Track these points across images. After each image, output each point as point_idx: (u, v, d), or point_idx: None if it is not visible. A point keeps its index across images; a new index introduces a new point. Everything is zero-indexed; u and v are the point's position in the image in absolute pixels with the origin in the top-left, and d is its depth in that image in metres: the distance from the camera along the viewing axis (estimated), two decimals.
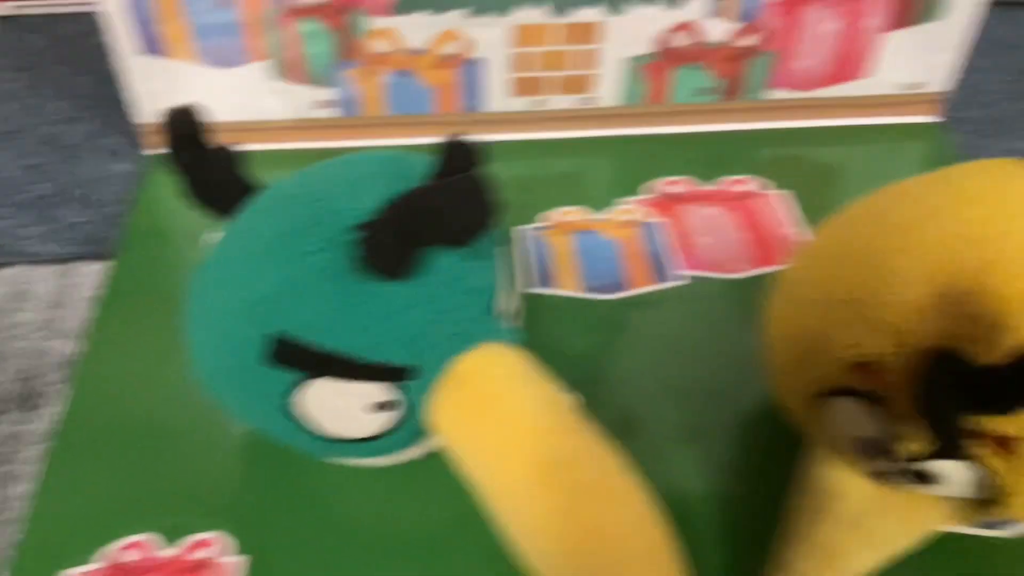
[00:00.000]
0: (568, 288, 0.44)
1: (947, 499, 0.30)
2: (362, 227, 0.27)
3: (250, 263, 0.29)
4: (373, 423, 0.30)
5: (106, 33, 0.46)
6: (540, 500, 0.27)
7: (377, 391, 0.29)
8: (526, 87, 0.50)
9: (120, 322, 0.42)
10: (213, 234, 0.32)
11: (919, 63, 0.51)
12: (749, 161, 0.51)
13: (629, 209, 0.48)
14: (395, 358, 0.28)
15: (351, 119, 0.51)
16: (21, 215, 0.49)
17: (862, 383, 0.29)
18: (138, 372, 0.40)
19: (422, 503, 0.34)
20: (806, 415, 0.32)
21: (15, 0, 0.62)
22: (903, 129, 0.54)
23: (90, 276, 0.45)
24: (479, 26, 0.47)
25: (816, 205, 0.48)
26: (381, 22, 0.47)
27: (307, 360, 0.28)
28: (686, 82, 0.51)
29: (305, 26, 0.47)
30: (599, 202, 0.48)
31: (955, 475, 0.28)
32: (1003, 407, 0.26)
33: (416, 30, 0.47)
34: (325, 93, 0.50)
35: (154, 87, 0.48)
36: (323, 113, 0.50)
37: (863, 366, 0.29)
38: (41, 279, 0.45)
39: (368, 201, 0.28)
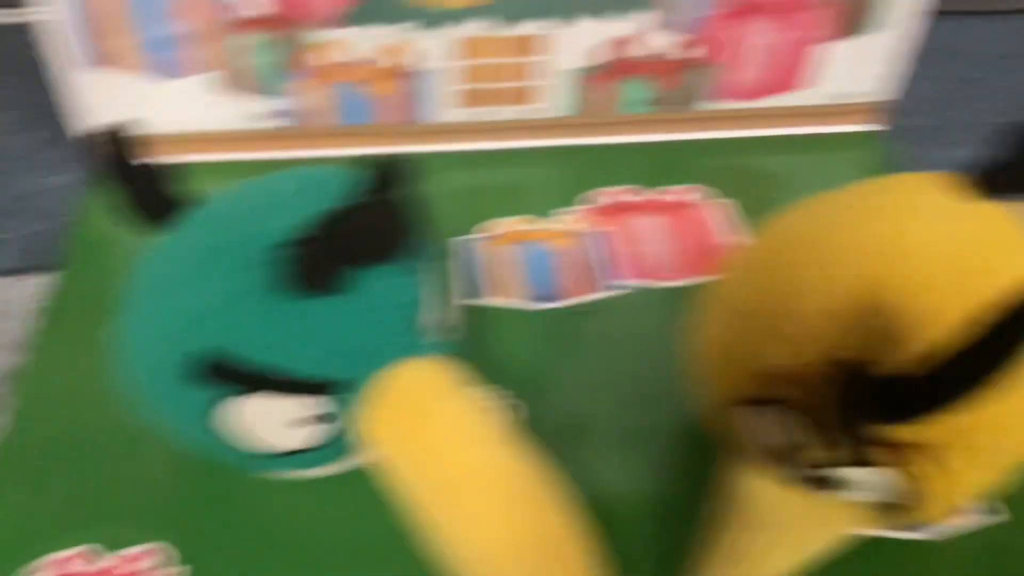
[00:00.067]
0: (509, 298, 0.44)
1: (858, 504, 0.31)
2: (290, 244, 0.27)
3: (179, 280, 0.30)
4: (303, 436, 0.30)
5: (49, 46, 0.47)
6: (462, 511, 0.28)
7: (307, 405, 0.30)
8: (472, 98, 0.51)
9: (64, 334, 0.42)
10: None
11: (860, 73, 0.52)
12: (692, 171, 0.52)
13: (572, 219, 0.49)
14: (324, 372, 0.29)
15: (298, 130, 0.51)
16: None
17: (773, 393, 0.30)
18: (83, 384, 0.40)
19: (362, 513, 0.35)
20: (722, 423, 0.33)
21: None
22: (845, 138, 0.55)
23: (34, 288, 0.45)
24: (426, 39, 0.48)
25: (758, 214, 0.48)
26: (328, 34, 0.47)
27: (237, 376, 0.29)
28: (630, 93, 0.52)
29: (252, 38, 0.47)
30: (543, 212, 0.49)
31: (863, 481, 0.29)
32: (904, 416, 0.27)
33: (363, 42, 0.48)
34: (272, 104, 0.50)
35: (99, 100, 0.49)
36: (270, 124, 0.51)
37: (774, 376, 0.29)
38: None
39: (296, 218, 0.28)
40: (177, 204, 0.32)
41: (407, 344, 0.30)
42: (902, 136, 0.55)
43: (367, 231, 0.27)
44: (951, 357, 0.25)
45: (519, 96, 0.51)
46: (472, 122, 0.52)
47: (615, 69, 0.50)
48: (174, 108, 0.49)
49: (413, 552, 0.31)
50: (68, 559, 0.34)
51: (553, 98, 0.51)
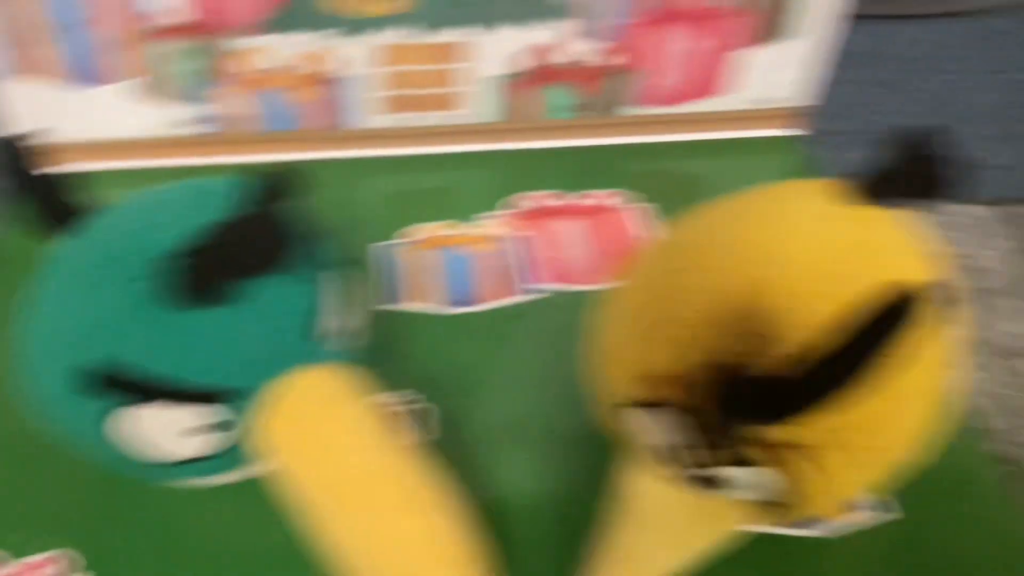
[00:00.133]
0: (426, 303, 0.45)
1: (744, 502, 0.31)
2: (177, 256, 0.28)
3: (72, 290, 0.30)
4: (199, 445, 0.31)
5: None
6: (352, 518, 0.29)
7: (201, 414, 0.30)
8: (395, 104, 0.51)
9: None
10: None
11: (778, 79, 0.53)
12: (615, 175, 0.53)
13: (494, 223, 0.49)
14: (216, 381, 0.29)
15: (222, 136, 0.51)
16: None
17: (659, 395, 0.30)
18: None
19: (263, 521, 0.35)
20: (616, 424, 0.33)
21: None
22: (766, 142, 0.56)
23: None
24: (347, 45, 0.48)
25: (678, 217, 0.49)
26: (248, 41, 0.48)
27: (130, 386, 0.29)
28: (553, 99, 0.52)
29: (172, 46, 0.47)
30: (466, 217, 0.50)
31: (746, 480, 0.30)
32: (775, 416, 0.27)
33: (284, 49, 0.48)
34: (194, 111, 0.50)
35: (21, 109, 0.49)
36: (193, 130, 0.51)
37: (659, 379, 0.30)
38: None
39: (187, 229, 0.29)
40: (79, 213, 0.32)
41: (302, 352, 0.31)
42: (823, 140, 0.56)
43: (252, 242, 0.27)
44: (816, 359, 0.26)
45: (443, 102, 0.52)
46: (397, 128, 0.52)
47: (537, 76, 0.51)
48: (96, 115, 0.49)
49: (312, 560, 0.32)
50: None
51: (477, 104, 0.52)
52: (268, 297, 0.30)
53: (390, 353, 0.43)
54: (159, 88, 0.49)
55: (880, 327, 0.25)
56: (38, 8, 0.45)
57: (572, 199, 0.51)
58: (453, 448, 0.39)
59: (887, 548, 0.36)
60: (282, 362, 0.30)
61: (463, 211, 0.50)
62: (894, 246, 0.31)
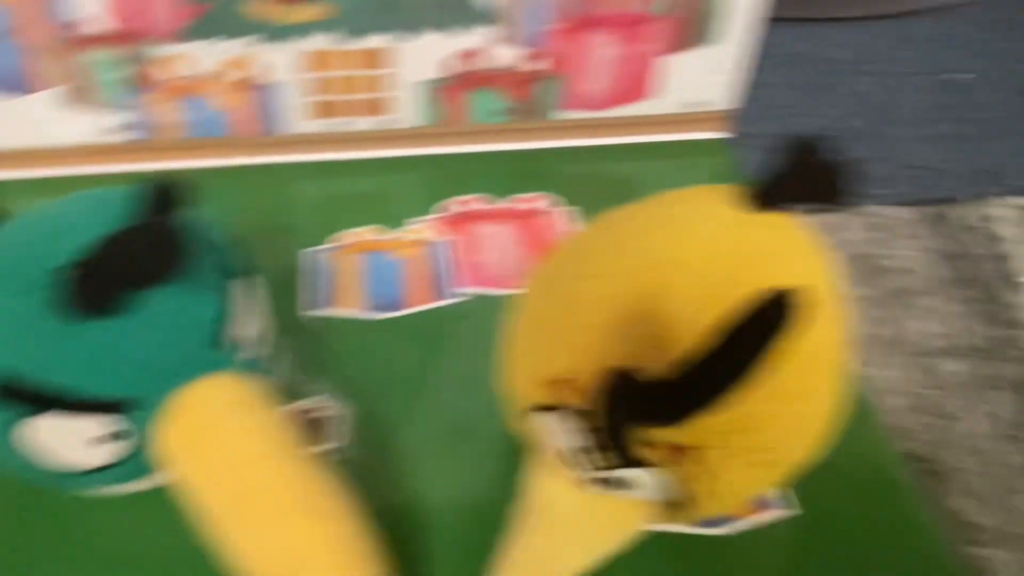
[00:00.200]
0: (354, 308, 0.45)
1: (643, 503, 0.32)
2: (68, 267, 0.28)
3: None
4: (100, 455, 0.31)
5: None
6: (249, 526, 0.29)
7: (101, 424, 0.30)
8: (323, 110, 0.52)
9: None
10: None
11: (703, 83, 0.54)
12: (545, 179, 0.53)
13: (421, 228, 0.50)
14: (113, 391, 0.30)
15: (149, 143, 0.51)
16: None
17: (560, 399, 0.31)
18: None
19: (171, 529, 0.35)
20: (522, 428, 0.34)
21: None
22: (693, 146, 0.57)
23: None
24: (271, 52, 0.49)
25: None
26: (170, 49, 0.48)
27: (29, 396, 0.29)
28: (481, 104, 0.53)
29: (96, 54, 0.47)
30: (394, 221, 0.50)
31: (643, 481, 0.31)
32: (669, 419, 0.28)
33: (206, 56, 0.48)
34: (120, 118, 0.50)
35: None
36: (120, 138, 0.51)
37: (558, 383, 0.31)
38: None
39: (81, 240, 0.29)
40: None
41: (204, 361, 0.31)
42: (750, 143, 0.57)
43: (143, 252, 0.27)
44: (693, 363, 0.26)
45: (371, 107, 0.52)
46: (326, 133, 0.52)
47: (465, 81, 0.51)
48: (22, 124, 0.49)
49: (217, 569, 0.32)
50: None
51: (406, 109, 0.52)
52: (166, 306, 0.30)
53: (314, 359, 0.43)
54: (85, 96, 0.49)
55: (755, 330, 0.26)
56: None
57: (501, 203, 0.51)
58: (376, 453, 0.39)
59: (791, 546, 0.37)
60: (183, 371, 0.31)
61: (393, 216, 0.50)
62: (789, 251, 0.31)
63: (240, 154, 0.53)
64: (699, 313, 0.29)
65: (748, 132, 0.57)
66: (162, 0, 0.46)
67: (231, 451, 0.30)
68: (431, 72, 0.51)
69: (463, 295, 0.46)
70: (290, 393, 0.40)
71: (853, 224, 0.55)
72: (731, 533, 0.37)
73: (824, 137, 0.30)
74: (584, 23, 0.50)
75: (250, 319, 0.35)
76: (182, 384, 0.30)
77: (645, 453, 0.29)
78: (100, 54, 0.47)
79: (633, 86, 0.54)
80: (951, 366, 0.48)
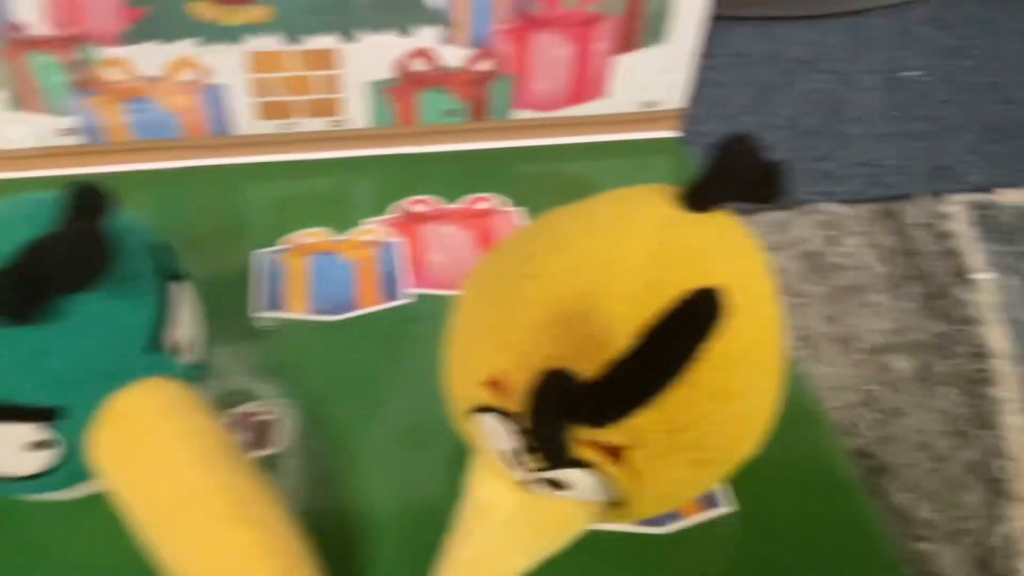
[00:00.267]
0: (297, 311, 0.45)
1: (581, 502, 0.32)
2: None
3: None
4: (32, 462, 0.30)
5: None
6: (180, 532, 0.29)
7: (29, 431, 0.30)
8: (272, 111, 0.51)
9: None
10: None
11: (653, 82, 0.54)
12: (497, 179, 0.53)
13: (371, 230, 0.49)
14: (43, 399, 0.29)
15: (97, 146, 0.51)
16: None
17: (498, 401, 0.31)
18: None
19: (108, 536, 0.35)
20: (464, 429, 0.34)
21: None
22: (646, 145, 0.57)
23: None
24: (214, 54, 0.48)
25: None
26: (113, 52, 0.47)
27: None
28: (432, 104, 0.53)
29: (37, 58, 0.47)
30: (346, 223, 0.50)
31: (583, 482, 0.31)
32: (598, 419, 0.28)
33: (149, 58, 0.48)
34: (65, 122, 0.50)
35: None
36: (66, 141, 0.50)
37: (496, 384, 0.30)
38: None
39: (12, 245, 0.28)
40: None
41: (135, 365, 0.31)
42: (704, 142, 0.57)
43: (64, 258, 0.27)
44: (619, 364, 0.26)
45: (321, 108, 0.52)
46: (278, 134, 0.52)
47: (415, 81, 0.51)
48: None
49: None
50: None
51: (356, 110, 0.52)
52: (97, 311, 0.30)
53: (264, 361, 0.42)
54: (29, 100, 0.48)
55: (680, 330, 0.25)
56: None
57: (454, 204, 0.51)
58: (326, 457, 0.39)
59: (735, 543, 0.37)
60: (116, 376, 0.30)
61: (345, 217, 0.50)
62: (724, 250, 0.31)
63: (192, 156, 0.52)
64: (634, 313, 0.28)
65: (701, 131, 0.57)
66: (102, 2, 0.45)
67: (163, 457, 0.29)
68: (380, 73, 0.51)
69: (414, 296, 0.46)
70: (236, 397, 0.40)
71: (804, 222, 0.55)
72: (674, 532, 0.37)
73: (755, 135, 0.30)
74: (532, 23, 0.50)
75: (187, 323, 0.34)
76: (115, 389, 0.30)
77: (582, 453, 0.29)
78: (42, 57, 0.47)
79: (584, 86, 0.54)
80: (901, 363, 0.48)
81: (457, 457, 0.38)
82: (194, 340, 0.35)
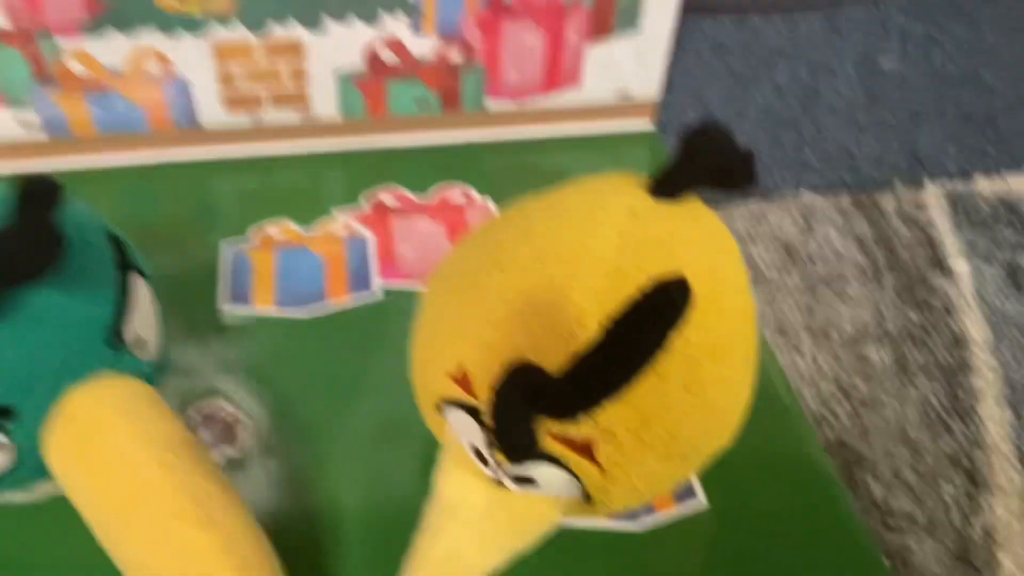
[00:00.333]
0: (265, 305, 0.44)
1: (558, 498, 0.31)
2: None
3: None
4: None
5: None
6: (130, 533, 0.28)
7: None
8: (238, 103, 0.50)
9: None
10: None
11: (626, 73, 0.53)
12: (468, 172, 0.52)
13: (342, 222, 0.48)
14: None
15: (61, 141, 0.50)
16: None
17: (465, 395, 0.30)
18: None
19: (68, 537, 0.34)
20: (434, 425, 0.33)
21: None
22: (621, 137, 0.56)
23: None
24: (179, 45, 0.47)
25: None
26: (73, 44, 0.46)
27: None
28: (402, 95, 0.52)
29: None
30: (314, 216, 0.49)
31: (551, 478, 0.30)
32: (568, 413, 0.27)
33: (111, 50, 0.47)
34: (27, 115, 0.49)
35: None
36: (28, 135, 0.49)
37: (464, 378, 0.30)
38: None
39: None
40: None
41: (90, 361, 0.30)
42: (675, 132, 0.56)
43: (12, 251, 0.26)
44: (584, 356, 0.25)
45: (288, 100, 0.51)
46: (246, 127, 0.51)
47: (382, 72, 0.50)
48: None
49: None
50: None
51: (325, 101, 0.51)
52: (46, 306, 0.29)
53: (231, 357, 0.42)
54: None
55: (644, 321, 0.25)
56: None
57: (425, 197, 0.50)
58: (294, 453, 0.38)
59: (709, 537, 0.36)
60: (69, 374, 0.29)
61: (314, 210, 0.49)
62: (694, 240, 0.30)
63: (158, 150, 0.51)
64: (602, 304, 0.28)
65: (676, 122, 0.57)
66: None
67: (119, 457, 0.28)
68: (346, 63, 0.50)
69: (384, 290, 0.45)
70: (201, 393, 0.39)
71: (780, 212, 0.54)
72: (648, 526, 0.36)
73: (724, 123, 0.29)
74: (502, 11, 0.49)
75: (147, 318, 0.33)
76: (70, 386, 0.29)
77: (550, 448, 0.28)
78: (2, 50, 0.46)
79: (557, 75, 0.53)
80: (878, 353, 0.48)
81: (429, 453, 0.37)
82: (154, 336, 0.34)
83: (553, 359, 0.27)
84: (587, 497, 0.31)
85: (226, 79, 0.49)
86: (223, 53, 0.48)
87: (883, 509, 0.41)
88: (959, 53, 0.65)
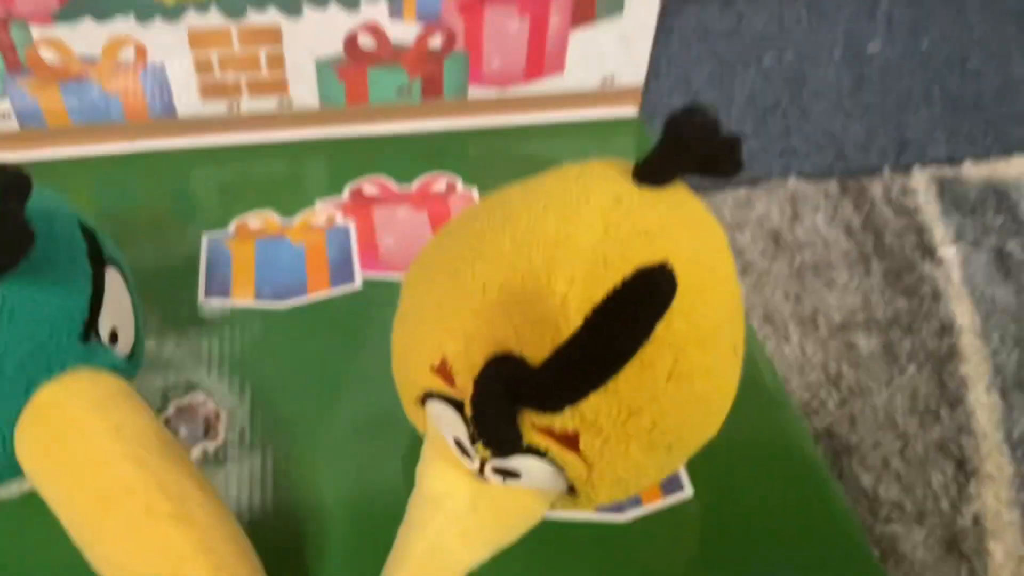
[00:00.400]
0: (245, 296, 0.43)
1: (544, 491, 0.31)
2: None
3: None
4: None
5: None
6: (105, 530, 0.27)
7: None
8: (215, 90, 0.49)
9: None
10: None
11: (612, 58, 0.53)
12: (452, 160, 0.52)
13: (322, 213, 0.48)
14: None
15: (35, 131, 0.49)
16: None
17: (447, 388, 0.29)
18: None
19: (43, 535, 0.33)
20: (416, 418, 0.32)
21: None
22: (606, 124, 0.55)
23: None
24: (151, 32, 0.46)
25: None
26: (44, 31, 0.45)
27: None
28: (382, 82, 0.51)
29: None
30: (295, 206, 0.48)
31: (535, 470, 0.29)
32: (550, 404, 0.27)
33: (84, 38, 0.46)
34: (2, 105, 0.48)
35: None
36: (2, 125, 0.48)
37: (445, 369, 0.29)
38: None
39: None
40: None
41: (62, 358, 0.29)
42: (660, 119, 0.56)
43: None
44: (568, 346, 0.25)
45: (267, 87, 0.50)
46: (225, 116, 0.50)
47: (360, 58, 0.50)
48: None
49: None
50: None
51: (304, 89, 0.50)
52: (16, 299, 0.28)
53: (212, 349, 0.41)
54: None
55: (628, 310, 0.24)
56: None
57: (407, 186, 0.50)
58: (270, 447, 0.38)
59: (697, 528, 0.36)
60: (41, 368, 0.29)
61: (295, 200, 0.48)
62: (678, 227, 0.30)
63: (134, 140, 0.50)
64: (586, 293, 0.27)
65: (662, 108, 0.56)
66: None
67: (93, 453, 0.28)
68: (325, 50, 0.49)
69: (366, 281, 0.44)
70: (181, 387, 0.39)
71: (767, 198, 0.54)
72: (634, 518, 0.35)
73: (709, 107, 0.29)
74: None
75: (123, 311, 0.33)
76: (43, 381, 0.28)
77: (534, 440, 0.28)
78: None
79: (540, 61, 0.52)
80: (866, 340, 0.47)
81: (412, 447, 0.36)
82: (130, 329, 0.33)
83: (537, 350, 0.27)
84: (572, 490, 0.30)
85: (203, 67, 0.48)
86: (199, 40, 0.47)
87: (872, 498, 0.41)
88: (946, 38, 0.64)
